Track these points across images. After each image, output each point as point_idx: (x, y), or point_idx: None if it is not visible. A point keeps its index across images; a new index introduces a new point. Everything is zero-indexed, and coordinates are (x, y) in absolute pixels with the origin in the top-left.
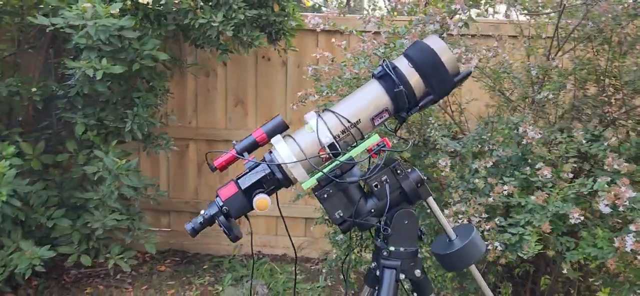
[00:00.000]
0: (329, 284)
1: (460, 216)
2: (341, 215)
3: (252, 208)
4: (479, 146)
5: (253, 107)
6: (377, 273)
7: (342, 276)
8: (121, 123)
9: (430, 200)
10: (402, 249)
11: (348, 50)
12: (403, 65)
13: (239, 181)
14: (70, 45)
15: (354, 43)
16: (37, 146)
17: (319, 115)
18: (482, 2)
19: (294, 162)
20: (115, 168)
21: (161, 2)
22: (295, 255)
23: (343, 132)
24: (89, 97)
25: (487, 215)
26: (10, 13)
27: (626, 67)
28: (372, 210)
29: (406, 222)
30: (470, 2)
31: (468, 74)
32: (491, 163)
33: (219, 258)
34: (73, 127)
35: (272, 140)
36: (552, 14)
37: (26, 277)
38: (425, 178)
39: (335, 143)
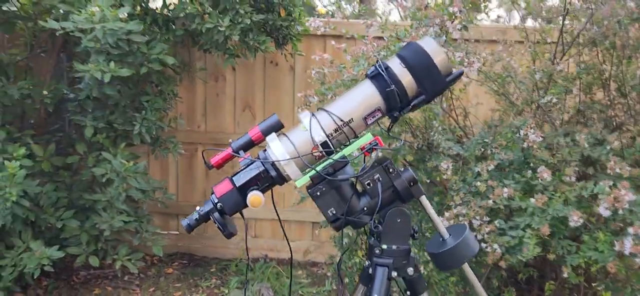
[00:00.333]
0: (335, 288)
1: (461, 218)
2: (334, 212)
3: (247, 206)
4: (482, 150)
5: (261, 111)
6: (370, 271)
7: (347, 280)
8: (130, 126)
9: (423, 199)
10: (394, 247)
11: (348, 52)
12: (395, 65)
13: (233, 178)
14: (80, 48)
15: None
16: (48, 148)
17: (313, 114)
18: (482, 3)
19: (287, 160)
20: (123, 170)
21: (169, 7)
22: (291, 254)
23: (336, 130)
24: (99, 100)
25: (488, 218)
26: (23, 18)
27: (631, 72)
28: (365, 208)
29: (399, 221)
30: (469, 5)
31: (459, 75)
32: (493, 167)
33: (226, 262)
34: (83, 129)
35: (267, 139)
36: (557, 18)
37: (35, 277)
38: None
39: (328, 142)
